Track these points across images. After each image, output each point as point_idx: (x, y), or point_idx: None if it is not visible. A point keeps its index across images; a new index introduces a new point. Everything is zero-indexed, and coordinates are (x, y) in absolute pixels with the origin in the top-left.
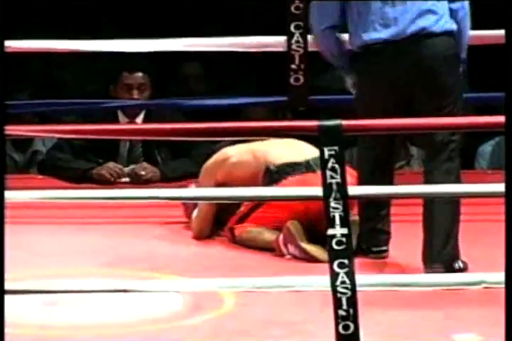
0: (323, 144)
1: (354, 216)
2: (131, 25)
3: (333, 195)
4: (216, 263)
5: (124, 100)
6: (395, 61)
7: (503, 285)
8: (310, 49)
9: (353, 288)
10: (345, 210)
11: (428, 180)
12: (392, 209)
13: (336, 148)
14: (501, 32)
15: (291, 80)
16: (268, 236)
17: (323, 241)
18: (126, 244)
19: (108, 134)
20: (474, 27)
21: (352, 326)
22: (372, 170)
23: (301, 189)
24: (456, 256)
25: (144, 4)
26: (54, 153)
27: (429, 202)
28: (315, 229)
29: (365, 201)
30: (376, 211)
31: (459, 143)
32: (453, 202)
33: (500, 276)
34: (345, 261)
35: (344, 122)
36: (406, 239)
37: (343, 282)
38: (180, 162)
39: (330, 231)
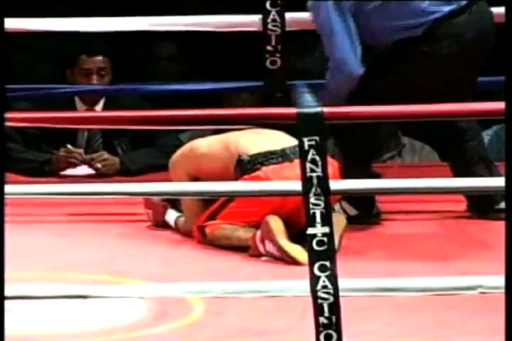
0: (302, 134)
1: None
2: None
3: (313, 190)
4: (183, 266)
5: (82, 85)
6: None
7: (502, 290)
8: (288, 29)
9: (336, 293)
10: (327, 207)
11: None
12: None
13: (316, 138)
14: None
15: (267, 63)
16: (243, 233)
17: (305, 239)
18: (82, 245)
19: (64, 123)
20: None
21: (334, 335)
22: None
23: (278, 183)
24: None
25: None
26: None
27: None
28: (296, 226)
29: None
30: None
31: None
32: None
33: (499, 280)
34: (327, 264)
35: (326, 109)
36: (394, 238)
37: (324, 286)
38: (142, 153)
39: (310, 230)
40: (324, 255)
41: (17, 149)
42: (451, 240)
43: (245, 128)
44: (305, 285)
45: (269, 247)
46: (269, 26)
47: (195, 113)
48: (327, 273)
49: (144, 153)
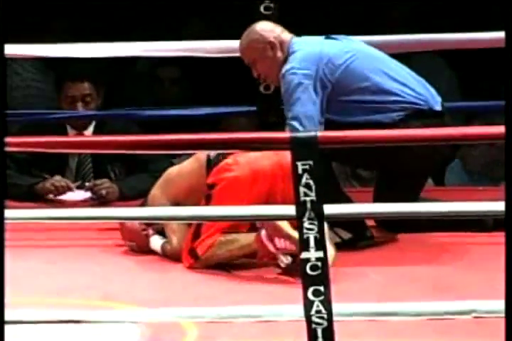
0: (296, 158)
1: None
2: (82, 26)
3: (307, 215)
4: (176, 290)
5: (75, 111)
6: None
7: (497, 315)
8: None
9: (330, 318)
10: (321, 231)
11: None
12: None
13: (310, 162)
14: (494, 35)
15: (261, 88)
16: (244, 240)
17: None
18: (74, 270)
19: (65, 147)
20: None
21: None
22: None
23: (271, 207)
24: None
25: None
26: None
27: None
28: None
29: None
30: None
31: None
32: None
33: (494, 304)
34: (321, 288)
35: (320, 133)
36: (388, 262)
37: (318, 311)
38: (137, 178)
39: (303, 255)
40: (318, 280)
41: (8, 174)
42: (444, 263)
43: None
44: (299, 309)
45: (281, 243)
46: None
47: (187, 137)
48: (321, 298)
49: (138, 179)
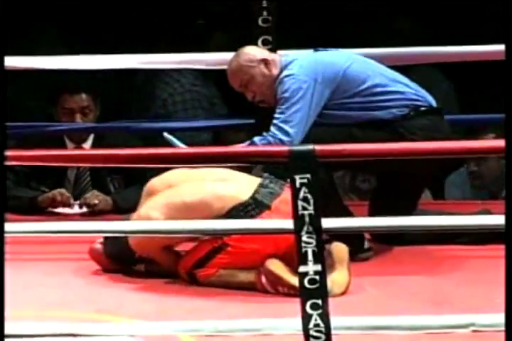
0: (293, 171)
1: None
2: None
3: (305, 228)
4: (173, 303)
5: (72, 123)
6: None
7: (495, 328)
8: None
9: (328, 332)
10: (319, 245)
11: None
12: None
13: (308, 175)
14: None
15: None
16: (244, 277)
17: None
18: (70, 283)
19: (54, 161)
20: (468, 42)
21: None
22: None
23: (270, 222)
24: None
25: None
26: None
27: None
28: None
29: None
30: None
31: None
32: None
33: (492, 318)
34: (319, 302)
35: (317, 147)
36: (386, 275)
37: (316, 325)
38: (133, 190)
39: (302, 269)
40: (316, 293)
41: (7, 186)
42: (442, 276)
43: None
44: (297, 323)
45: (285, 290)
46: None
47: (186, 151)
48: (319, 312)
49: (135, 191)
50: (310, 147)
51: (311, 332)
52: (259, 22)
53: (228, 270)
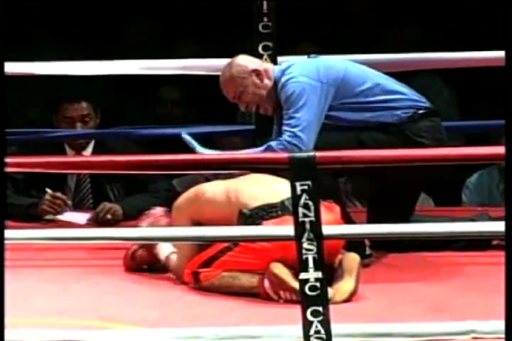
0: (294, 178)
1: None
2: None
3: (305, 235)
4: (174, 310)
5: (72, 129)
6: None
7: (496, 335)
8: None
9: (329, 339)
10: (320, 252)
11: None
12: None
13: (308, 182)
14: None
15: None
16: (246, 281)
17: None
18: (73, 290)
19: (54, 168)
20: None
21: None
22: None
23: (271, 228)
24: None
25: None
26: None
27: None
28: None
29: None
30: None
31: None
32: None
33: (493, 325)
34: (320, 309)
35: (318, 153)
36: (386, 282)
37: (317, 331)
38: (138, 198)
39: (302, 276)
40: (317, 300)
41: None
42: (442, 283)
43: (244, 173)
44: (298, 330)
45: (287, 295)
46: None
47: (187, 157)
48: (320, 318)
49: (139, 199)
50: (311, 154)
51: (312, 339)
52: (260, 28)
53: (231, 272)
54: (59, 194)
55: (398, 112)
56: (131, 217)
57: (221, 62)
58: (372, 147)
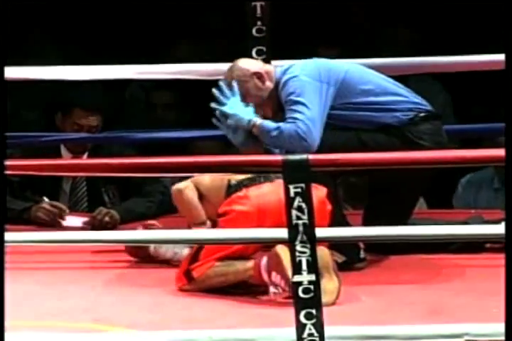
0: (288, 181)
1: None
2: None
3: (299, 238)
4: (168, 313)
5: (68, 133)
6: None
7: (489, 338)
8: None
9: None
10: (313, 254)
11: None
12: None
13: (302, 185)
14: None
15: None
16: (241, 265)
17: None
18: (66, 293)
19: (47, 171)
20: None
21: None
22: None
23: (263, 231)
24: None
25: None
26: None
27: None
28: None
29: None
30: None
31: None
32: None
33: (486, 327)
34: (313, 311)
35: (311, 156)
36: (380, 285)
37: (310, 334)
38: (134, 202)
39: (296, 278)
40: (310, 303)
41: None
42: (436, 286)
43: None
44: (291, 333)
45: (276, 278)
46: None
47: (181, 160)
48: (313, 321)
49: (135, 203)
50: (304, 156)
51: None
52: (254, 32)
53: (225, 261)
54: (57, 203)
55: (398, 114)
56: (126, 220)
57: (216, 67)
58: (373, 148)
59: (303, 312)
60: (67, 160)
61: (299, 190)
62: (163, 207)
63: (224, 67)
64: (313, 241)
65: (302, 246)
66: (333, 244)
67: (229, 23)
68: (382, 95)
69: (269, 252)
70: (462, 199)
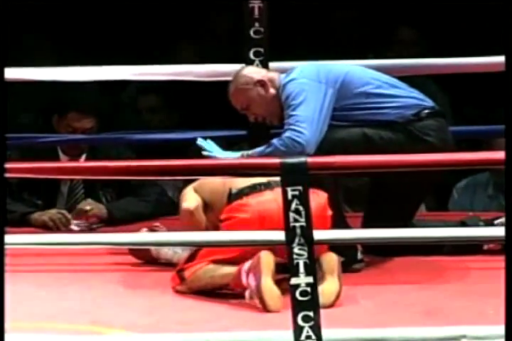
0: (285, 184)
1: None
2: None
3: (296, 240)
4: (165, 315)
5: (64, 135)
6: None
7: None
8: None
9: None
10: (311, 257)
11: None
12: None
13: (299, 187)
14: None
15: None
16: (227, 269)
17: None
18: (64, 295)
19: (45, 173)
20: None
21: None
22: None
23: (260, 233)
24: None
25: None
26: None
27: None
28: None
29: None
30: None
31: None
32: None
33: (484, 330)
34: (311, 314)
35: (309, 159)
36: (378, 287)
37: (308, 337)
38: (127, 201)
39: (293, 281)
40: (308, 305)
41: None
42: (434, 288)
43: None
44: (288, 335)
45: (251, 281)
46: None
47: (178, 163)
48: (311, 324)
49: (129, 202)
50: (302, 159)
51: None
52: (251, 33)
53: (217, 265)
54: (64, 212)
55: (401, 110)
56: (120, 218)
57: (214, 68)
58: (378, 144)
59: (300, 315)
60: (67, 163)
61: (296, 192)
62: (161, 208)
63: (222, 68)
64: (310, 244)
65: (300, 249)
66: (331, 246)
67: (232, 24)
68: (382, 96)
69: (253, 258)
70: (459, 205)
